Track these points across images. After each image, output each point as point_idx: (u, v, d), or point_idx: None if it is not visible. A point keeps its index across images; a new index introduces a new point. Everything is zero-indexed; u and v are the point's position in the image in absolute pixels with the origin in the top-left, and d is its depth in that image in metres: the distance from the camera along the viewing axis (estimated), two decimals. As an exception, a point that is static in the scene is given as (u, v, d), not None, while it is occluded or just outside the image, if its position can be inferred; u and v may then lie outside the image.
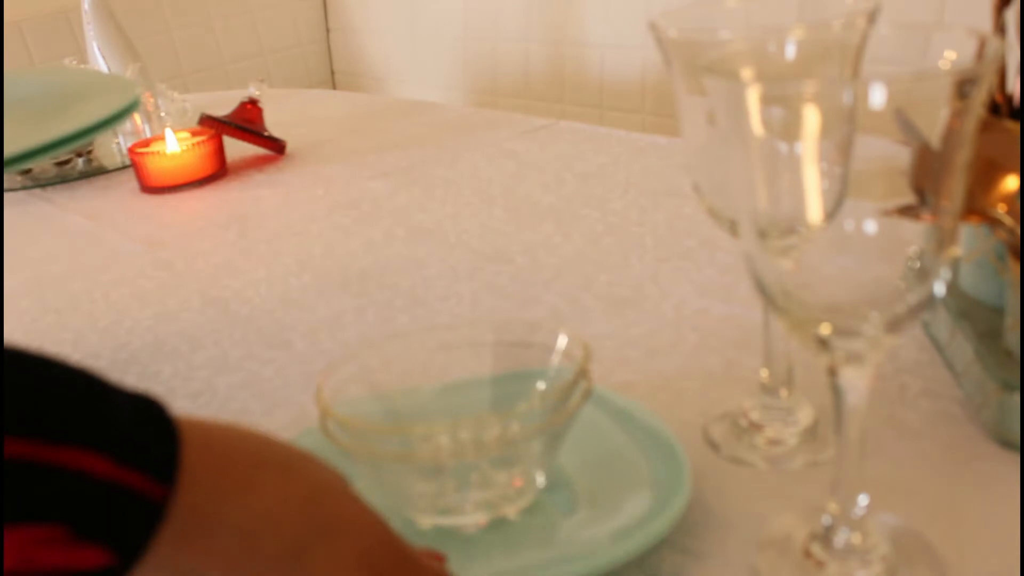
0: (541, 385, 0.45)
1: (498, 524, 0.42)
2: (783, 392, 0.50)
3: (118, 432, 0.29)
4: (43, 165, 1.20)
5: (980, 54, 0.31)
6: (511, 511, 0.42)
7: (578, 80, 1.56)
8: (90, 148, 1.24)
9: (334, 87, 2.07)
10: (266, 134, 1.16)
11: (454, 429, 0.41)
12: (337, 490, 0.33)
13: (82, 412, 0.29)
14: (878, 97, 0.29)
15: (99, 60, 1.39)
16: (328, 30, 2.04)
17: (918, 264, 0.33)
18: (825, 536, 0.39)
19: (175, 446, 0.30)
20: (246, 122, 1.15)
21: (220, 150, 1.11)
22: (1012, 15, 0.46)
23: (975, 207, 0.45)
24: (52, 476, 0.27)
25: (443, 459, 0.40)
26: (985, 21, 0.46)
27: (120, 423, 0.29)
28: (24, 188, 1.17)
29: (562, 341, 0.45)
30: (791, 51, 0.36)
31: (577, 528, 0.42)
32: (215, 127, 1.12)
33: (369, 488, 0.44)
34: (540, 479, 0.43)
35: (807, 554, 0.40)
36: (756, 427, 0.49)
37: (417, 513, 0.42)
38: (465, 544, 0.42)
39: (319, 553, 0.32)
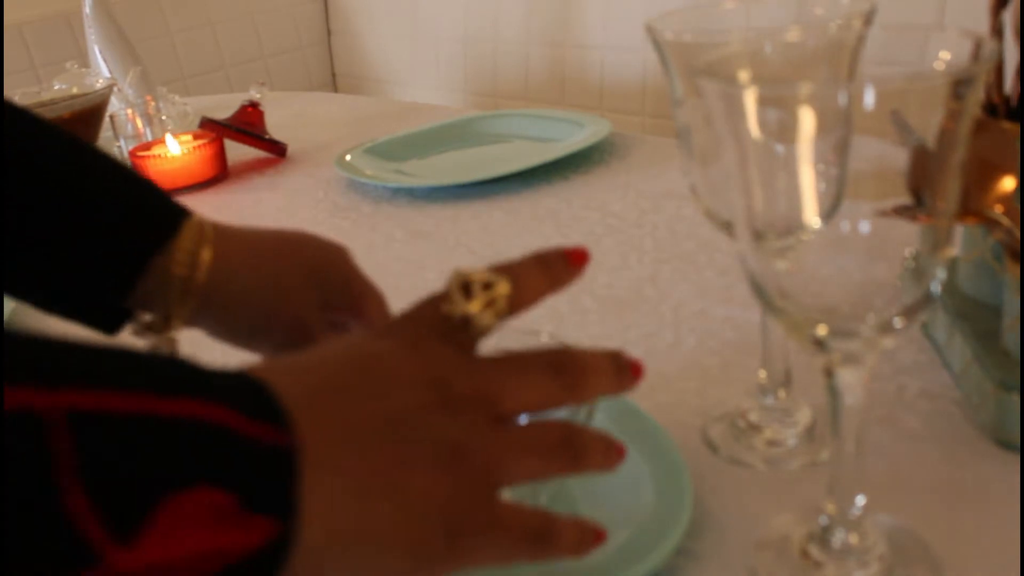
0: None
1: None
2: (781, 393, 0.50)
3: (223, 383, 0.25)
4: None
5: (975, 55, 0.32)
6: None
7: (578, 82, 1.56)
8: (91, 151, 1.25)
9: (335, 90, 2.07)
10: (267, 137, 1.16)
11: None
12: None
13: (183, 369, 0.25)
14: (874, 98, 0.29)
15: (100, 63, 1.40)
16: (329, 33, 2.05)
17: (914, 265, 0.33)
18: (822, 536, 0.39)
19: (274, 395, 0.27)
20: (247, 125, 1.15)
21: (221, 153, 1.11)
22: (1009, 16, 0.46)
23: (972, 208, 0.45)
24: (191, 432, 0.23)
25: None
26: (983, 23, 0.46)
27: (218, 377, 0.26)
28: (25, 191, 1.17)
29: None
30: (787, 53, 0.36)
31: None
32: (216, 130, 1.12)
33: None
34: (544, 497, 0.43)
35: (804, 554, 0.40)
36: (754, 428, 0.49)
37: None
38: None
39: None
